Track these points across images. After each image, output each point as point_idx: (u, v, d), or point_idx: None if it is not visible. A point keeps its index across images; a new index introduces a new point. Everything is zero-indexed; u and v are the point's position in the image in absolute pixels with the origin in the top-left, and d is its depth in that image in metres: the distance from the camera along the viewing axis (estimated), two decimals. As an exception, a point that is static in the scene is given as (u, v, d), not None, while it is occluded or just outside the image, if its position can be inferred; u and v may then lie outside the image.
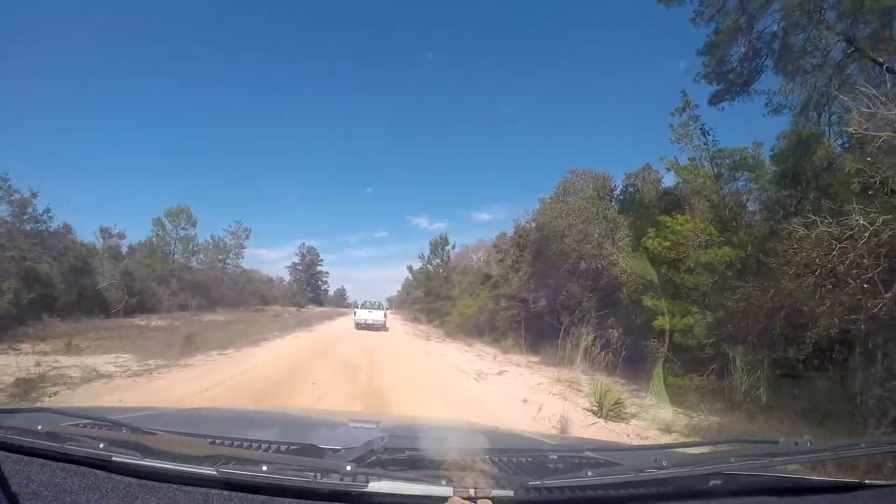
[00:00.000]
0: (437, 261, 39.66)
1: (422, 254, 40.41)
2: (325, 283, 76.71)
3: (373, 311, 24.14)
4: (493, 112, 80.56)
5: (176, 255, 33.88)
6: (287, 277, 64.93)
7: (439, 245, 39.55)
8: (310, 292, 67.39)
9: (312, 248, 71.39)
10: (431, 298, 35.00)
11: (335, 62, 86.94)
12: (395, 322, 34.05)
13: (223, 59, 75.52)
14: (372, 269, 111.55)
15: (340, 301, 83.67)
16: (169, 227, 34.91)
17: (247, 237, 41.16)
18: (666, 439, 5.64)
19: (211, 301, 30.37)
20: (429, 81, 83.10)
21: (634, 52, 69.06)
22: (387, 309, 27.56)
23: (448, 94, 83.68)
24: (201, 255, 37.65)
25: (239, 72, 79.73)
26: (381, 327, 23.45)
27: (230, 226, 41.60)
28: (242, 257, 41.66)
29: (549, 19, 75.13)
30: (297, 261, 70.76)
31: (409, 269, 45.70)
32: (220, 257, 39.49)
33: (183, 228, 35.13)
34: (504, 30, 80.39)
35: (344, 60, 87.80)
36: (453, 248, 39.63)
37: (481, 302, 21.44)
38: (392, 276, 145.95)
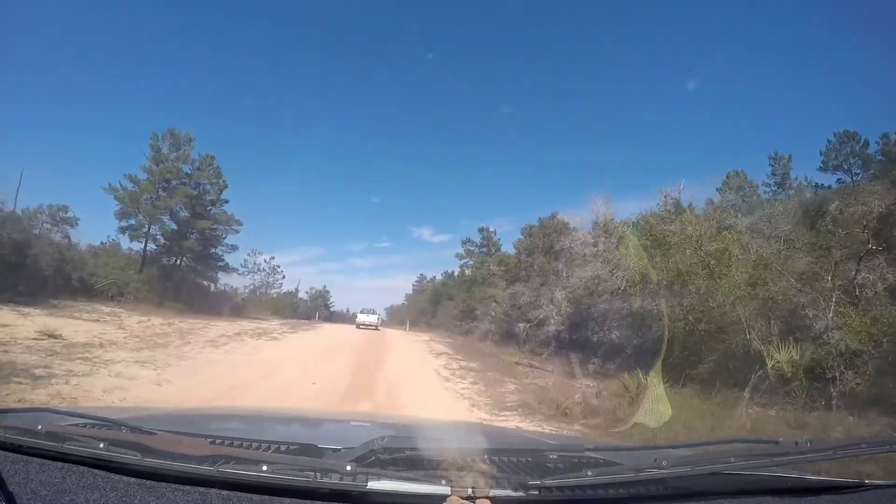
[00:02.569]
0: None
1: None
2: (282, 282, 51.26)
3: (369, 315, 33.19)
4: (499, 126, 79.33)
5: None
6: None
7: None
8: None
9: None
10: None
11: (335, 68, 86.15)
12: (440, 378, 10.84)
13: (218, 63, 74.11)
14: (373, 279, 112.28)
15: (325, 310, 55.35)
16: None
17: None
18: None
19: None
20: (433, 93, 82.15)
21: (643, 65, 68.14)
22: (379, 315, 36.03)
23: (452, 107, 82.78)
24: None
25: (237, 75, 78.99)
26: (374, 329, 30.85)
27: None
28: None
29: (556, 35, 74.25)
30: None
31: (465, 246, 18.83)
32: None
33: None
34: (508, 38, 79.64)
35: (344, 67, 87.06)
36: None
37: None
38: (393, 286, 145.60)
